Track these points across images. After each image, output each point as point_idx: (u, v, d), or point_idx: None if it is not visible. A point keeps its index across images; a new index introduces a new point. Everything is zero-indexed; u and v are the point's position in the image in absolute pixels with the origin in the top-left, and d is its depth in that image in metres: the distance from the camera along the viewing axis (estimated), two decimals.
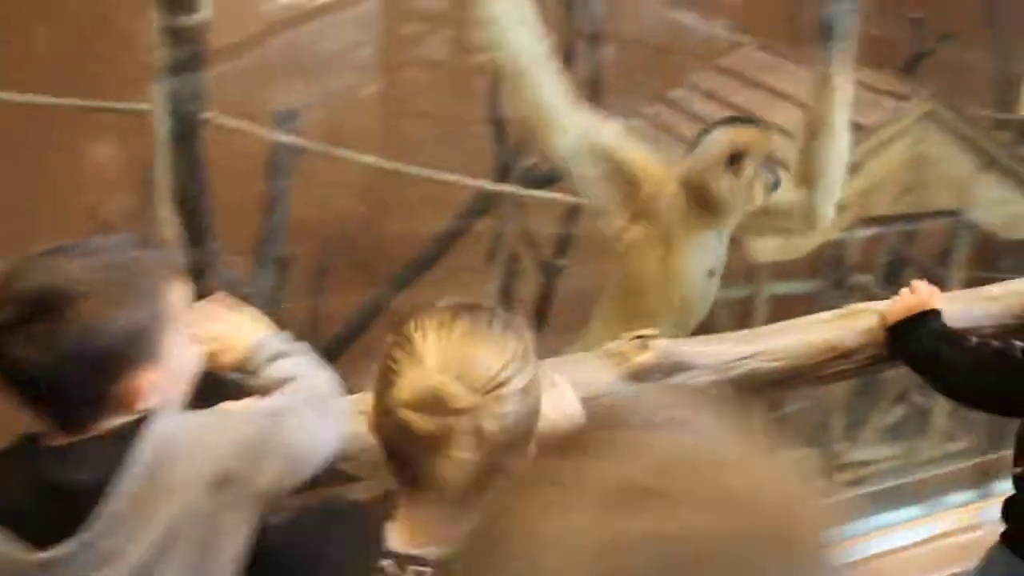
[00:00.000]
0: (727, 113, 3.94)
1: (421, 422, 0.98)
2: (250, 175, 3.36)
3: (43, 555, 0.91)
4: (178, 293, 1.04)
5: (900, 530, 3.30)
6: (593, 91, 4.22)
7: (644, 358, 1.50)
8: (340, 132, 3.80)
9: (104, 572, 0.92)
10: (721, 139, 2.03)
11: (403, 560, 1.02)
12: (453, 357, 1.01)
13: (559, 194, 4.08)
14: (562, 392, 1.26)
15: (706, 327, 2.01)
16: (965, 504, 3.50)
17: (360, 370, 1.14)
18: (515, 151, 4.29)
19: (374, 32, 4.49)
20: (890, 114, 3.44)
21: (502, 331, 1.08)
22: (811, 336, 1.62)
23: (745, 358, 1.57)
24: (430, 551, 1.02)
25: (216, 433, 1.02)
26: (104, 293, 0.95)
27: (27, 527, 0.92)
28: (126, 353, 0.97)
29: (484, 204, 4.42)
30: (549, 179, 4.36)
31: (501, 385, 1.03)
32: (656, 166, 2.03)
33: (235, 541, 1.00)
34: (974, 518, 3.31)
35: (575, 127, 1.89)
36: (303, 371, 1.13)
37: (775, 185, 2.10)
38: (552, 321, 3.83)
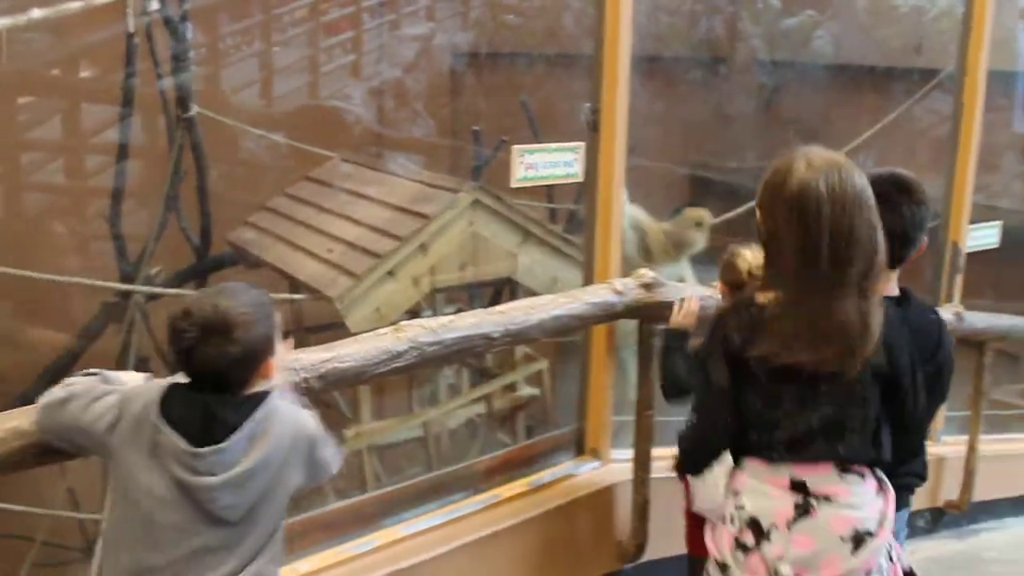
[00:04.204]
0: (320, 215, 4.70)
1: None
2: None
3: (195, 449, 1.55)
4: (279, 317, 1.71)
5: None
6: (203, 207, 4.80)
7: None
8: None
9: (225, 469, 1.56)
10: (688, 213, 4.37)
11: None
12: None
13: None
14: None
15: None
16: None
17: None
18: (136, 263, 4.75)
19: None
20: (445, 204, 4.32)
21: None
22: (371, 344, 2.24)
23: (326, 360, 2.14)
24: None
25: (301, 419, 1.70)
26: (252, 319, 1.59)
27: (191, 435, 1.56)
28: (263, 351, 1.62)
29: (110, 314, 4.78)
30: (175, 283, 4.84)
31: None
32: (653, 228, 4.25)
33: (287, 485, 1.66)
34: None
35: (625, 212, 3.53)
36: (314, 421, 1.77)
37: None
38: None
